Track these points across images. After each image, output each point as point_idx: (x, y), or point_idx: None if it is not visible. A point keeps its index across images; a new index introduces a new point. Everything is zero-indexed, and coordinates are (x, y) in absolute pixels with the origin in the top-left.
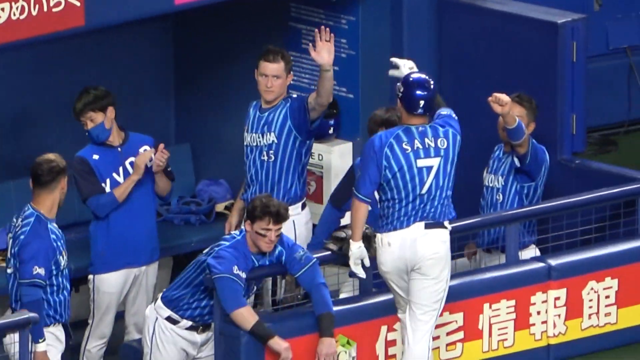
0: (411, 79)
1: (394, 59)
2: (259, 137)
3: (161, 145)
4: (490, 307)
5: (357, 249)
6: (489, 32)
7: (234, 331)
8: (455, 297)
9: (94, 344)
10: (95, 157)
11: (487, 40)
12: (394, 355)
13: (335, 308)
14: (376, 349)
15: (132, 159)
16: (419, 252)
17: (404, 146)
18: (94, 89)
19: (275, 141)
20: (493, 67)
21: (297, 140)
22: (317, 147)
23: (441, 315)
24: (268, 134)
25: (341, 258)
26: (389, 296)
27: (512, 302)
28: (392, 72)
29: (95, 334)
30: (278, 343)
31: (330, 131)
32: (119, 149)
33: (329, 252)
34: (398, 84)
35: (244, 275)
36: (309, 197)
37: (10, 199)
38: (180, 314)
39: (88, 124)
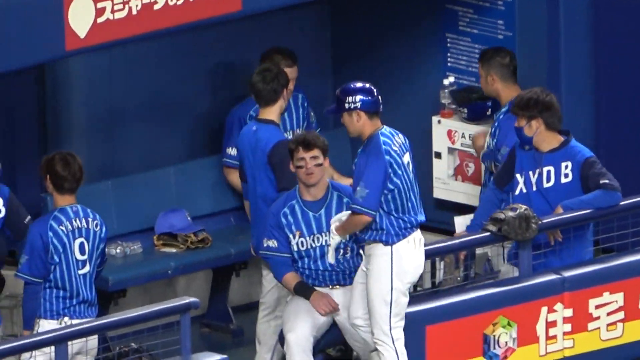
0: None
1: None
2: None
3: None
4: None
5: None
6: None
7: None
8: (616, 277)
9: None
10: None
11: None
12: (554, 336)
13: (495, 290)
14: (537, 330)
15: None
16: None
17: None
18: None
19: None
20: None
21: None
22: (475, 129)
23: (601, 295)
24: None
25: (499, 239)
26: (549, 277)
27: None
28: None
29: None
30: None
31: (488, 113)
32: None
33: (488, 234)
34: None
35: (273, 244)
36: (467, 178)
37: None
38: None
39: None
